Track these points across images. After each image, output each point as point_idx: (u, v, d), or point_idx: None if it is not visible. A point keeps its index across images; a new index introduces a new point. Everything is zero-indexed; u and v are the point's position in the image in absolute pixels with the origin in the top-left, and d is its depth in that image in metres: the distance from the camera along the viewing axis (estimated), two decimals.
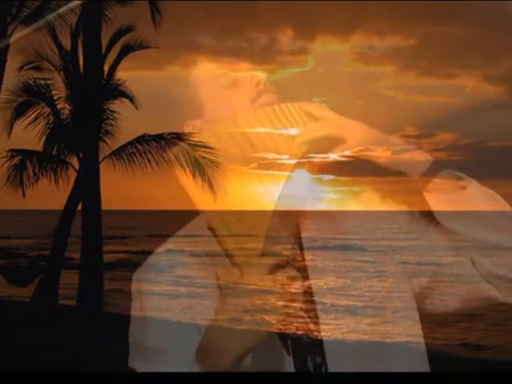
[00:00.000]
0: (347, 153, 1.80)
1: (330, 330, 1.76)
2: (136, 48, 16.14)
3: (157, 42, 16.25)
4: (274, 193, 1.74)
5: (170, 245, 1.82)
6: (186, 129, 1.84)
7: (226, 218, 1.76)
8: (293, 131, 1.76)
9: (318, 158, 1.79)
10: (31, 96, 15.92)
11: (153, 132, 15.92)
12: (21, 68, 15.80)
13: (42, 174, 15.88)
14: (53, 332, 11.99)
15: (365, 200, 1.85)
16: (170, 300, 1.77)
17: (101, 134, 15.94)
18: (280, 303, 1.66)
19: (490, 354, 14.21)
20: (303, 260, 1.77)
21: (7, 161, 15.80)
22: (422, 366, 1.81)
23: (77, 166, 15.97)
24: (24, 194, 15.78)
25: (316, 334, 1.74)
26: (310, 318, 1.73)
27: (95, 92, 15.76)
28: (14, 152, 15.89)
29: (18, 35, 14.77)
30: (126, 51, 16.17)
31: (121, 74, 16.35)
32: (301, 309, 1.73)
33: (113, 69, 16.17)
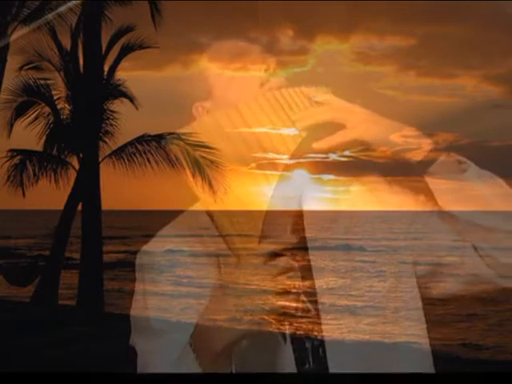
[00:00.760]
0: (347, 153, 1.80)
1: (330, 329, 1.76)
2: (136, 48, 16.14)
3: (157, 41, 16.28)
4: (274, 193, 1.74)
5: (169, 245, 1.82)
6: (195, 111, 1.85)
7: (226, 217, 1.75)
8: (293, 131, 1.76)
9: (318, 157, 1.79)
10: (31, 96, 15.92)
11: (153, 132, 15.95)
12: (21, 68, 15.82)
13: (42, 174, 15.89)
14: (53, 332, 11.99)
15: (365, 200, 1.85)
16: (170, 300, 1.77)
17: (101, 134, 15.94)
18: (280, 303, 1.66)
19: (490, 354, 14.22)
20: (303, 260, 1.77)
21: (7, 161, 15.82)
22: (422, 366, 1.81)
23: (77, 166, 15.97)
24: (24, 194, 15.78)
25: (316, 333, 1.74)
26: (309, 318, 1.73)
27: (95, 92, 15.76)
28: (14, 152, 15.90)
29: (18, 35, 14.77)
30: (125, 51, 16.17)
31: (121, 74, 16.38)
32: (301, 309, 1.73)
33: (113, 69, 16.17)
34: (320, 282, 1.79)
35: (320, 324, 1.74)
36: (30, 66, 15.90)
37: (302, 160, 1.77)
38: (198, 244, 1.78)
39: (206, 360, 1.60)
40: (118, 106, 16.32)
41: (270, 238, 1.67)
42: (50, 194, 16.25)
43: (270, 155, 1.76)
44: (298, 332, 1.75)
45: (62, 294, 16.58)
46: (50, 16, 14.81)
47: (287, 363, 1.74)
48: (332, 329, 1.77)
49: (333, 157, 1.83)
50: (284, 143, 1.75)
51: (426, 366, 1.82)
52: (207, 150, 1.79)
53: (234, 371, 1.64)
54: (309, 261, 1.79)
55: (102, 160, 15.99)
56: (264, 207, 1.71)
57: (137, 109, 16.24)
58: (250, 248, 1.69)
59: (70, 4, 14.86)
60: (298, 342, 1.73)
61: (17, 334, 11.78)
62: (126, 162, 15.82)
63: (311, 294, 1.75)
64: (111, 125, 16.15)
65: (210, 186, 1.81)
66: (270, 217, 1.70)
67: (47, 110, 16.06)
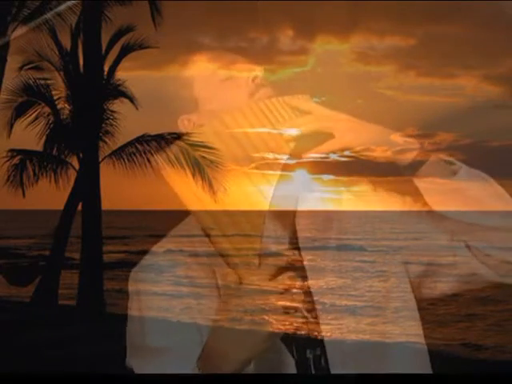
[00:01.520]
0: (347, 153, 1.79)
1: (330, 329, 1.76)
2: (136, 48, 16.13)
3: (157, 41, 16.27)
4: (274, 193, 1.74)
5: (169, 245, 1.82)
6: (181, 124, 1.84)
7: (226, 217, 1.75)
8: (293, 131, 1.76)
9: (318, 158, 1.79)
10: (31, 96, 15.91)
11: (153, 132, 15.94)
12: (21, 68, 15.80)
13: (42, 174, 15.87)
14: (53, 332, 11.98)
15: (365, 200, 1.85)
16: (170, 300, 1.77)
17: (101, 134, 15.94)
18: (280, 303, 1.66)
19: (490, 354, 14.21)
20: (303, 260, 1.77)
21: (7, 161, 15.80)
22: (422, 366, 1.81)
23: (77, 166, 15.96)
24: (24, 194, 15.78)
25: (316, 333, 1.74)
26: (309, 318, 1.73)
27: (95, 92, 15.76)
28: (14, 152, 15.89)
29: (18, 35, 14.77)
30: (126, 51, 16.16)
31: (121, 74, 16.37)
32: (301, 309, 1.72)
33: (113, 69, 16.16)
34: (320, 282, 1.79)
35: (320, 324, 1.74)
36: (30, 66, 15.89)
37: (301, 160, 1.77)
38: (198, 244, 1.78)
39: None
40: (118, 106, 16.32)
41: (271, 237, 1.67)
42: (50, 194, 16.26)
43: (270, 155, 1.76)
44: (298, 332, 1.74)
45: (62, 293, 16.57)
46: (49, 16, 14.80)
47: (288, 364, 1.74)
48: (332, 329, 1.77)
49: (333, 157, 1.83)
50: (284, 143, 1.75)
51: (426, 366, 1.82)
52: (207, 149, 1.79)
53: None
54: (309, 261, 1.79)
55: (102, 160, 15.99)
56: (264, 207, 1.71)
57: (137, 109, 16.24)
58: (250, 248, 1.69)
59: (69, 4, 14.86)
60: (298, 342, 1.73)
61: (17, 334, 11.78)
62: (126, 161, 15.82)
63: (311, 294, 1.75)
64: (111, 125, 16.14)
65: (210, 185, 1.81)
66: (271, 217, 1.70)
67: (47, 109, 16.05)
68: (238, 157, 1.76)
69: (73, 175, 16.04)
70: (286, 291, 1.68)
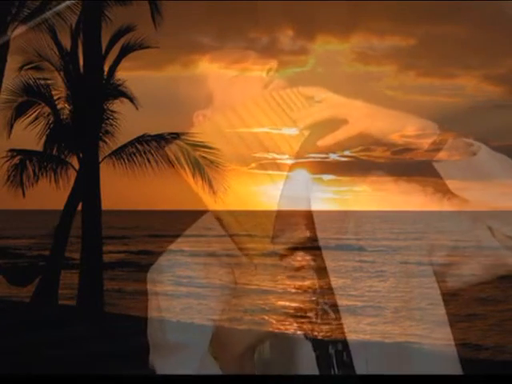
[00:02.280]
0: (347, 153, 1.80)
1: (330, 330, 1.76)
2: (136, 48, 16.14)
3: (157, 42, 16.27)
4: (274, 193, 1.74)
5: (170, 245, 1.82)
6: (196, 119, 1.84)
7: (226, 217, 1.75)
8: (294, 131, 1.75)
9: (318, 157, 1.79)
10: (31, 96, 15.91)
11: (153, 132, 15.94)
12: (21, 68, 15.80)
13: (42, 174, 15.88)
14: (53, 332, 11.98)
15: (365, 200, 1.85)
16: (170, 300, 1.77)
17: (101, 134, 15.94)
18: (280, 303, 1.66)
19: (490, 354, 14.21)
20: (303, 260, 1.77)
21: (7, 161, 15.81)
22: (422, 366, 1.81)
23: (77, 166, 15.97)
24: (24, 194, 15.78)
25: (316, 334, 1.74)
26: (310, 318, 1.73)
27: (95, 92, 15.76)
28: (14, 152, 15.89)
29: (18, 35, 14.77)
30: (125, 51, 16.16)
31: (121, 74, 16.37)
32: (301, 309, 1.72)
33: (113, 69, 16.16)
34: (320, 282, 1.79)
35: (320, 324, 1.74)
36: (30, 66, 15.89)
37: (302, 160, 1.77)
38: (198, 244, 1.78)
39: (229, 365, 1.60)
40: (118, 106, 16.33)
41: (279, 238, 1.67)
42: (50, 194, 16.25)
43: (271, 155, 1.76)
44: (298, 332, 1.74)
45: (62, 294, 16.57)
46: (49, 16, 14.80)
47: (291, 364, 1.74)
48: (332, 329, 1.76)
49: (333, 157, 1.83)
50: (285, 143, 1.75)
51: (426, 366, 1.82)
52: (207, 149, 1.79)
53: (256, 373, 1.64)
54: (309, 261, 1.79)
55: (102, 160, 15.99)
56: (264, 207, 1.71)
57: (137, 109, 16.24)
58: (250, 248, 1.69)
59: (69, 4, 14.86)
60: (298, 342, 1.73)
61: (17, 334, 11.78)
62: (126, 162, 15.82)
63: (311, 294, 1.75)
64: (111, 125, 16.14)
65: (210, 185, 1.81)
66: (277, 217, 1.70)
67: (47, 109, 16.05)
68: (238, 157, 1.76)
69: (73, 175, 16.06)
70: (285, 291, 1.68)
